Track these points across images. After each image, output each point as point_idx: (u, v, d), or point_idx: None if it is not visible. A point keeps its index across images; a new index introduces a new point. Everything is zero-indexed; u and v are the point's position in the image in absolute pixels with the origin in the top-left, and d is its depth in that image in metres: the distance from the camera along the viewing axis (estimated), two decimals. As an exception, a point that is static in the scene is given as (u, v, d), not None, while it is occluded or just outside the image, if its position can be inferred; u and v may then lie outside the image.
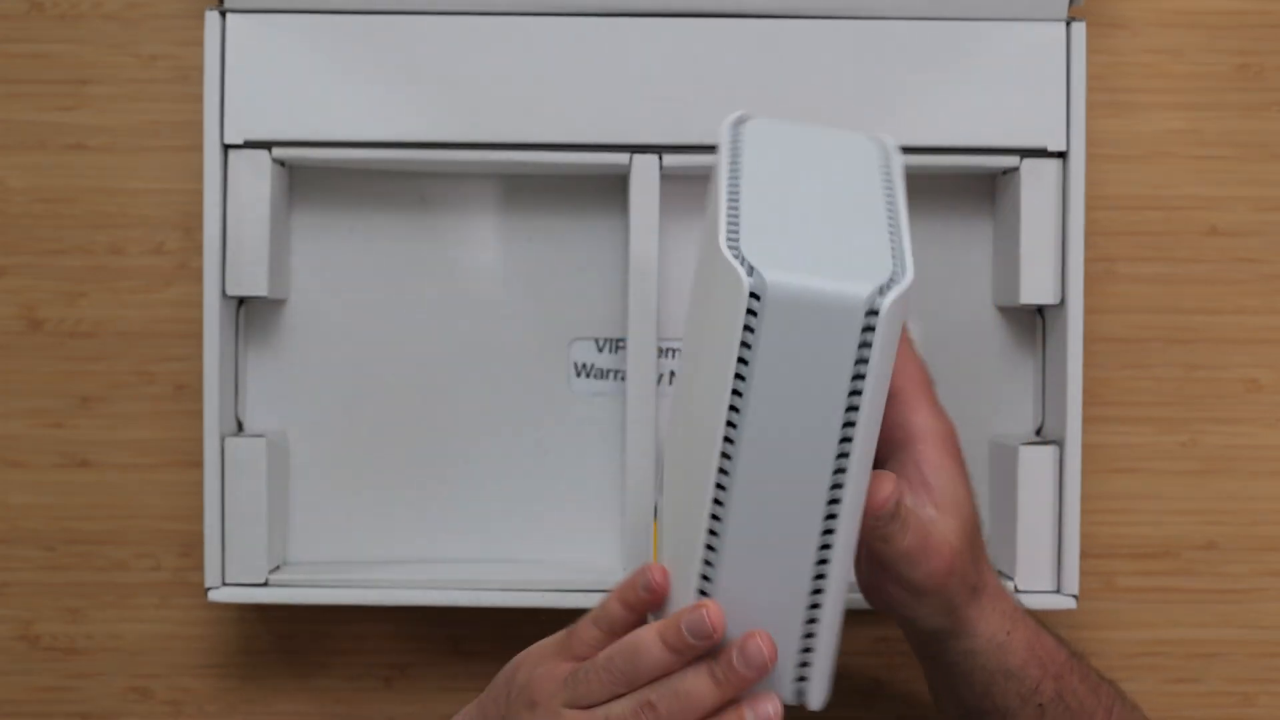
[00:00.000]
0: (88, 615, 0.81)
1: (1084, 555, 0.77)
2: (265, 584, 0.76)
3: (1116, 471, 0.82)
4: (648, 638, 0.59)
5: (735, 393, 0.55)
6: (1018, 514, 0.76)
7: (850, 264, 0.55)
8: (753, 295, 0.54)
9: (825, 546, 0.57)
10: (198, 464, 0.77)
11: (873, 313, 0.54)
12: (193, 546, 0.80)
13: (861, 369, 0.54)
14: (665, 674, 0.58)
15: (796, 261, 0.54)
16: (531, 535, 0.81)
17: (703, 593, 0.58)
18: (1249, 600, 0.82)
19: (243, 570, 0.76)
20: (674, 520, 0.61)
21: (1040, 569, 0.76)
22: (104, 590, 0.81)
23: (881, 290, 0.54)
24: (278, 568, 0.78)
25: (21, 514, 0.81)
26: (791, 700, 0.60)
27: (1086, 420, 0.78)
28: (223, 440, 0.76)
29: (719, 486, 0.56)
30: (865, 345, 0.54)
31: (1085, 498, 0.77)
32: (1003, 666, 0.66)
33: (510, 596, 0.76)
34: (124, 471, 0.81)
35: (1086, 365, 0.77)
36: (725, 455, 0.56)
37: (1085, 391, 0.77)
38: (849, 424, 0.55)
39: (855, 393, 0.55)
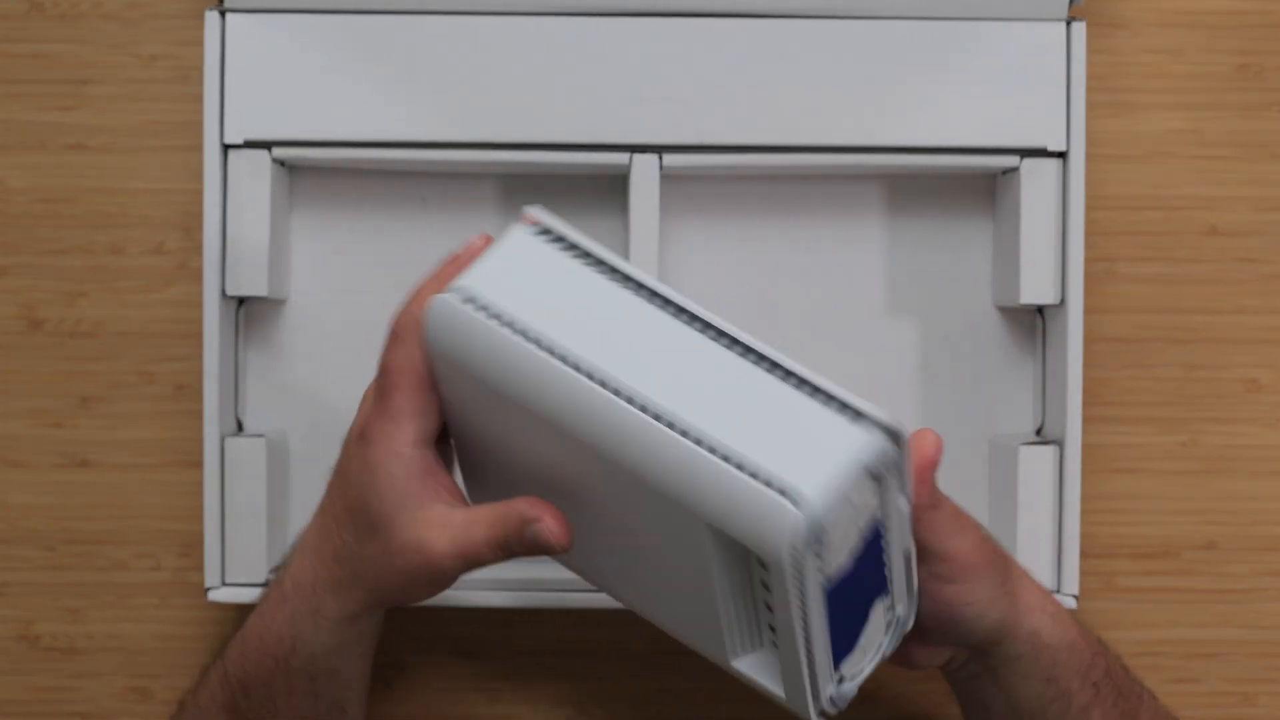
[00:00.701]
0: (88, 615, 0.81)
1: (1084, 555, 0.77)
2: (265, 584, 0.76)
3: (1116, 471, 0.82)
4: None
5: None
6: (1018, 514, 0.76)
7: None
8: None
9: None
10: (198, 464, 0.77)
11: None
12: (193, 546, 0.80)
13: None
14: None
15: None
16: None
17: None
18: (1249, 600, 0.82)
19: (243, 570, 0.76)
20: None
21: (1040, 569, 0.76)
22: (104, 590, 0.81)
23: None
24: (278, 568, 0.78)
25: (21, 514, 0.81)
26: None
27: (1086, 420, 0.78)
28: (223, 440, 0.76)
29: None
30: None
31: (1085, 498, 0.77)
32: (1066, 639, 0.66)
33: (510, 596, 0.76)
34: (124, 471, 0.81)
35: (1086, 365, 0.77)
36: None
37: (1085, 391, 0.77)
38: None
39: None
